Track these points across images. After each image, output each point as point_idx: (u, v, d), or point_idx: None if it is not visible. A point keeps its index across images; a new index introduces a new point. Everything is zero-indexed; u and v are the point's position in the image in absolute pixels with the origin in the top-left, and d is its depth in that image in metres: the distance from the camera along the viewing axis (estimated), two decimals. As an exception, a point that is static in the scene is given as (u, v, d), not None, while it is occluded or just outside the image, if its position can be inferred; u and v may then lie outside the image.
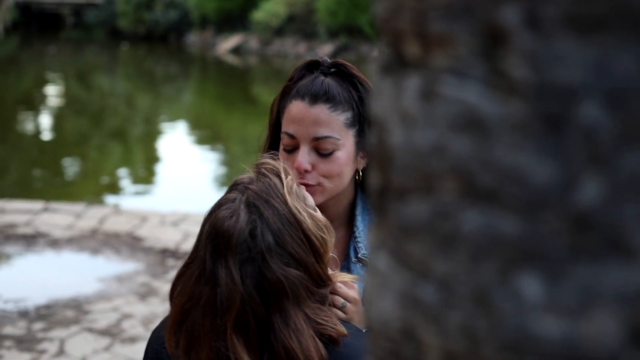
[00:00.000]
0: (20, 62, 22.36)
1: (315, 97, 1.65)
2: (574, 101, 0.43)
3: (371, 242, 0.55)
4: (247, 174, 1.50)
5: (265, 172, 1.47)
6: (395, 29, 0.51)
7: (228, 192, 1.49)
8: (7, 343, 4.38)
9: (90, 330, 4.58)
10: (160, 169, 10.68)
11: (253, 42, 22.42)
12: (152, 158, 11.34)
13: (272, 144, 1.77)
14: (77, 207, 6.98)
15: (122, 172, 10.52)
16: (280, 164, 1.49)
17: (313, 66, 1.72)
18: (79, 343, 4.41)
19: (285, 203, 1.41)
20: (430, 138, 0.48)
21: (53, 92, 17.38)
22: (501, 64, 0.45)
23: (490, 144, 0.45)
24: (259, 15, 21.85)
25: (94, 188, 9.18)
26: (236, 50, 22.76)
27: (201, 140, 12.25)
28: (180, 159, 10.81)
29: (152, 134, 13.33)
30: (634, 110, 0.42)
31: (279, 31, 21.62)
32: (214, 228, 1.41)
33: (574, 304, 0.43)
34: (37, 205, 6.86)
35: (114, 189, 9.30)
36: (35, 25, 27.51)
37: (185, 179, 9.42)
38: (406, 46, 0.50)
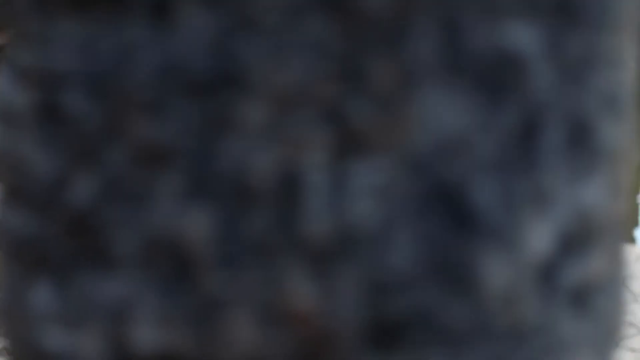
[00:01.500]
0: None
1: None
2: (62, 89, 0.38)
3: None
4: None
5: None
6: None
7: None
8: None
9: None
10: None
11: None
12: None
13: None
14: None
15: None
16: None
17: None
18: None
19: None
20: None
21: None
22: (17, 51, 0.40)
23: (16, 136, 0.41)
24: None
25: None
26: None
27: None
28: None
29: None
30: (116, 100, 0.37)
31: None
32: None
33: (74, 316, 0.39)
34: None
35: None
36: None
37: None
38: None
